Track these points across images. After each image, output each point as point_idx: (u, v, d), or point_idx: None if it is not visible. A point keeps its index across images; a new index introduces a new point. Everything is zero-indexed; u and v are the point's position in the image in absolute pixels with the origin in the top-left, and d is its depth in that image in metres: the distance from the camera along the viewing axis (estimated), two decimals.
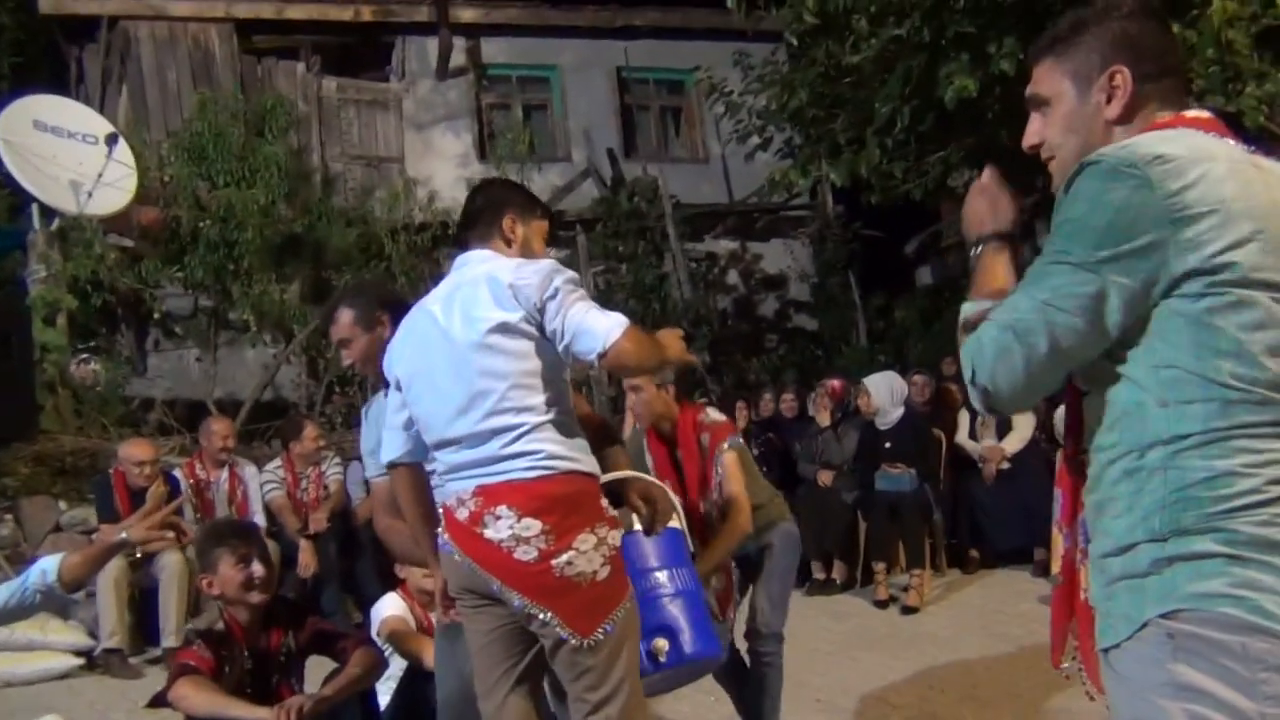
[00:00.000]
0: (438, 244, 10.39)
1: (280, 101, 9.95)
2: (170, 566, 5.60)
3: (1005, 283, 1.61)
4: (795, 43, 7.65)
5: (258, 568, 3.19)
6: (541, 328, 2.34)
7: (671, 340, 2.50)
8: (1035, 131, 1.67)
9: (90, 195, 7.50)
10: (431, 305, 2.49)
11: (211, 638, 3.22)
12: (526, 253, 2.54)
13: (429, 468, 2.77)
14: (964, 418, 7.17)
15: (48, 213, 7.79)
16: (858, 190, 8.46)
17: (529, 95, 12.93)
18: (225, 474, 6.26)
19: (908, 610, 5.94)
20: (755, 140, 8.75)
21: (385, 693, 3.53)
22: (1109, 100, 1.58)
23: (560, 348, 2.33)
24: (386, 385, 2.86)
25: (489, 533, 2.31)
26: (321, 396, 8.74)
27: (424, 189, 10.92)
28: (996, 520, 6.68)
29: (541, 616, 2.29)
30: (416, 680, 3.50)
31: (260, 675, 3.26)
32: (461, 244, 2.62)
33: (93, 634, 5.58)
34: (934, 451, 6.62)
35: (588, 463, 2.42)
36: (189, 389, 9.55)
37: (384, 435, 2.61)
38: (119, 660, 5.45)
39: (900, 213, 9.65)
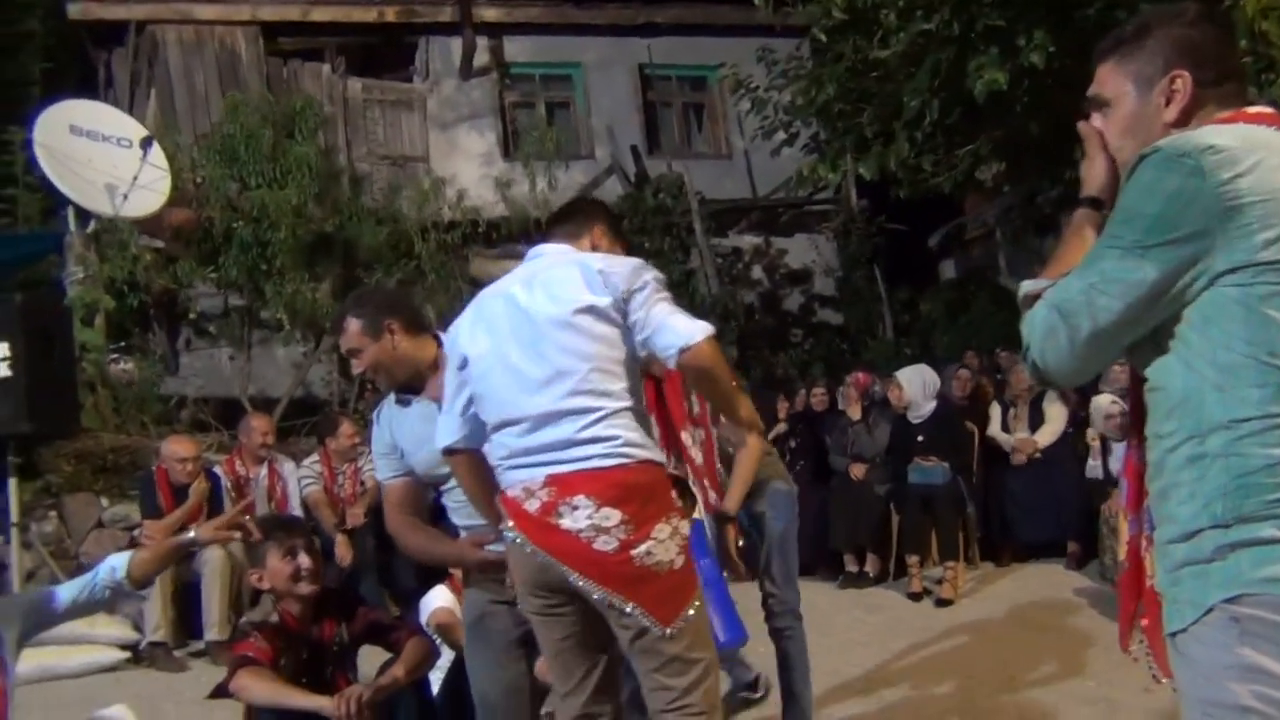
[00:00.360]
0: (467, 242, 10.46)
1: (310, 103, 10.03)
2: (213, 561, 5.70)
3: (1077, 258, 1.64)
4: (823, 38, 7.65)
5: (305, 559, 3.25)
6: (626, 316, 2.35)
7: (747, 403, 2.56)
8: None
9: (126, 198, 7.60)
10: (510, 287, 2.48)
11: (267, 630, 3.29)
12: None
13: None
14: (995, 410, 7.18)
15: (83, 215, 7.89)
16: (883, 184, 8.46)
17: (552, 93, 12.98)
18: (264, 470, 6.35)
19: (942, 603, 5.95)
20: (781, 136, 8.75)
21: (435, 682, 3.59)
22: (1168, 103, 1.62)
23: (640, 339, 2.34)
24: (400, 390, 2.91)
25: (566, 523, 2.26)
26: (355, 394, 8.83)
27: (450, 188, 10.98)
28: (1029, 513, 6.66)
29: (624, 608, 2.26)
30: (465, 671, 3.56)
31: (315, 666, 3.33)
32: (544, 236, 2.67)
33: (137, 627, 5.69)
34: (967, 444, 6.62)
35: (658, 453, 2.41)
36: (221, 387, 9.65)
37: (440, 421, 2.56)
38: (164, 653, 5.56)
39: (923, 206, 9.66)
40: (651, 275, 2.39)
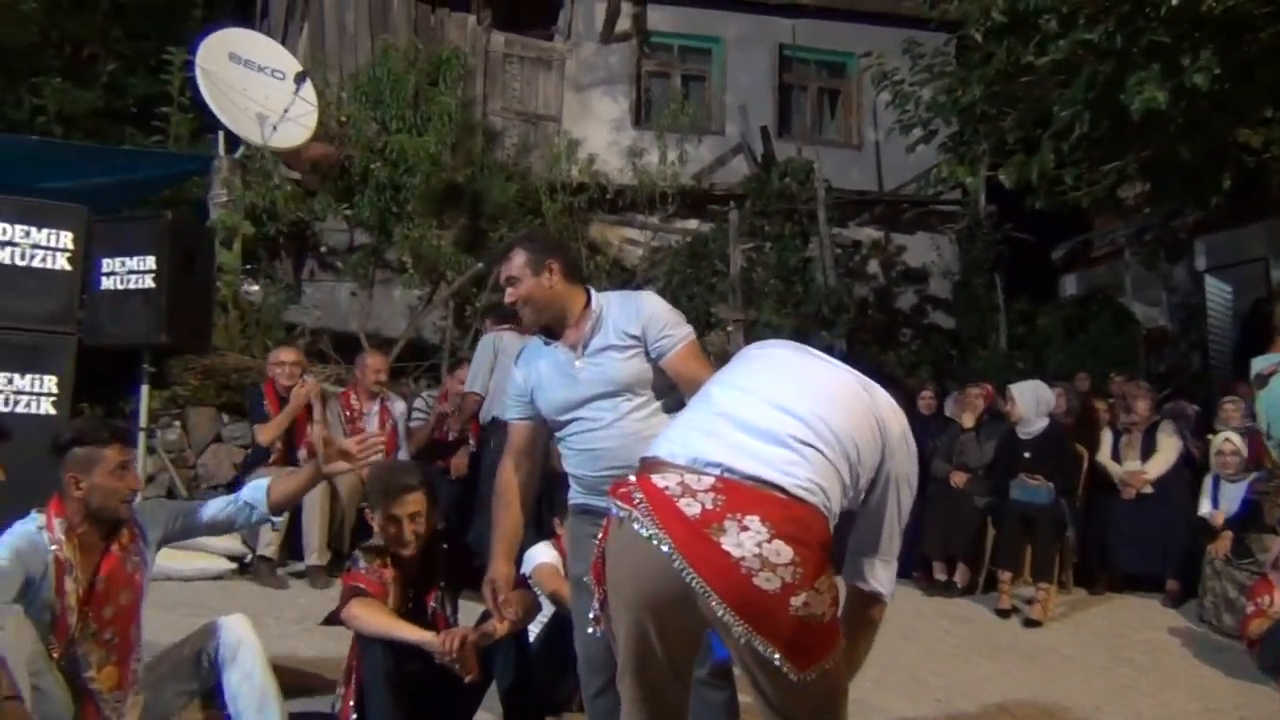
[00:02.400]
0: (593, 206, 10.55)
1: (455, 53, 10.21)
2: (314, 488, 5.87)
3: None
4: (979, 38, 7.46)
5: (410, 525, 3.37)
6: (876, 486, 2.31)
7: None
8: None
9: (275, 129, 7.85)
10: None
11: (378, 563, 3.43)
12: None
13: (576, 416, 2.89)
14: (1107, 436, 7.03)
15: (232, 141, 8.18)
16: (1013, 190, 8.24)
17: (689, 65, 12.96)
18: (376, 406, 6.54)
19: (1030, 623, 5.86)
20: (919, 132, 8.59)
21: (531, 634, 3.70)
22: None
23: (862, 532, 2.36)
24: (543, 331, 3.00)
25: (728, 543, 1.96)
26: (468, 343, 9.02)
27: (580, 151, 11.10)
28: (1130, 543, 6.53)
29: (763, 650, 2.00)
30: (563, 626, 3.67)
31: (419, 603, 3.47)
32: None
33: (246, 542, 5.92)
34: (1075, 467, 6.49)
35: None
36: (337, 320, 9.98)
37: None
38: (269, 569, 5.79)
39: (1051, 217, 9.40)
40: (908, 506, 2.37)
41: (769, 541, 1.96)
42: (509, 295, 2.99)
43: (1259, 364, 1.62)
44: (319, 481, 3.33)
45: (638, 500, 2.06)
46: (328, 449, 3.20)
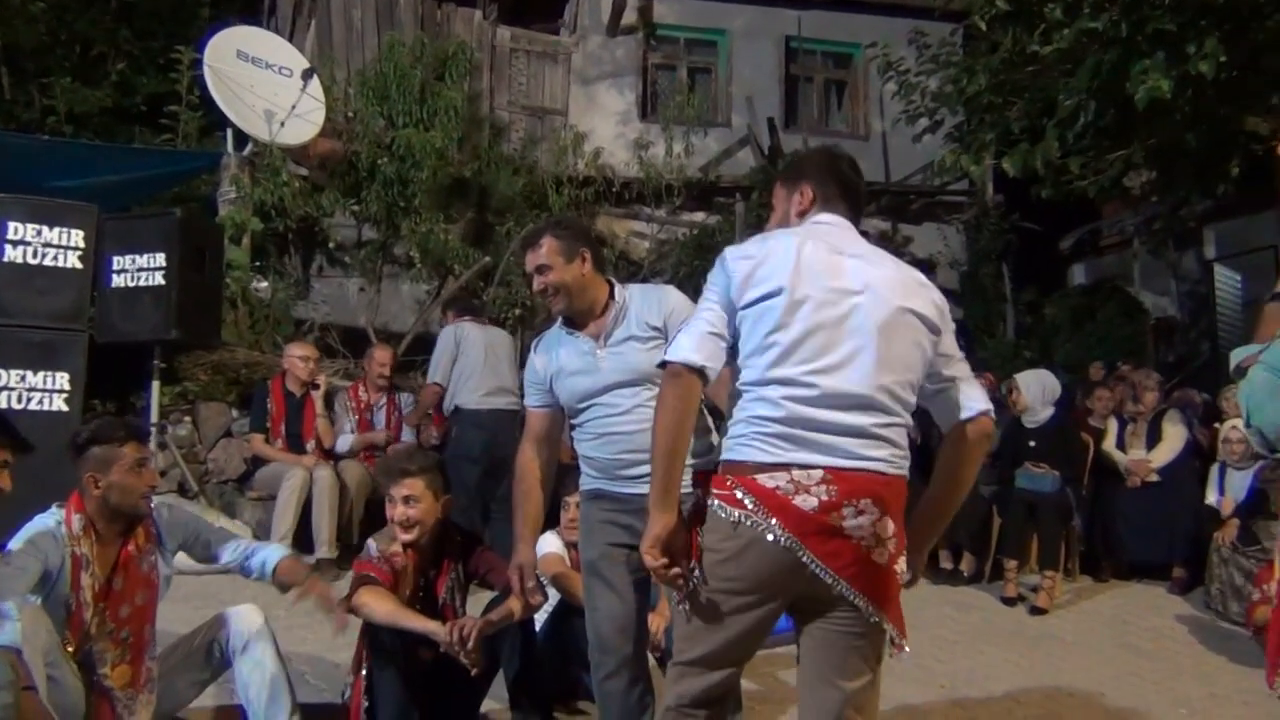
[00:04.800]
0: (599, 199, 10.56)
1: (462, 48, 10.22)
2: (321, 481, 5.89)
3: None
4: (983, 27, 7.45)
5: (405, 509, 3.42)
6: (936, 347, 2.35)
7: None
8: None
9: (283, 125, 7.89)
10: (846, 246, 2.37)
11: (389, 553, 3.47)
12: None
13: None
14: (1112, 425, 7.04)
15: (240, 138, 8.22)
16: (1020, 180, 8.24)
17: (695, 58, 12.95)
18: (384, 399, 6.59)
19: (1036, 610, 5.89)
20: (925, 122, 8.58)
21: (537, 623, 3.74)
22: None
23: (947, 372, 2.37)
24: (566, 321, 3.01)
25: (849, 526, 2.15)
26: None
27: (587, 144, 11.11)
28: (1137, 532, 6.55)
29: (883, 623, 2.21)
30: (568, 614, 3.72)
31: (428, 593, 3.51)
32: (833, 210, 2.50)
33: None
34: (1080, 456, 6.51)
35: None
36: (346, 315, 10.02)
37: (683, 336, 2.27)
38: None
39: (1058, 207, 9.39)
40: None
41: (880, 519, 2.16)
42: (538, 283, 2.99)
43: (1237, 355, 1.64)
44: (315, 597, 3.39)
45: (750, 504, 2.17)
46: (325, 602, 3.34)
